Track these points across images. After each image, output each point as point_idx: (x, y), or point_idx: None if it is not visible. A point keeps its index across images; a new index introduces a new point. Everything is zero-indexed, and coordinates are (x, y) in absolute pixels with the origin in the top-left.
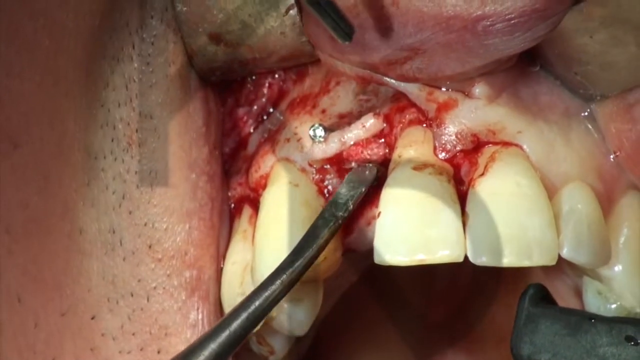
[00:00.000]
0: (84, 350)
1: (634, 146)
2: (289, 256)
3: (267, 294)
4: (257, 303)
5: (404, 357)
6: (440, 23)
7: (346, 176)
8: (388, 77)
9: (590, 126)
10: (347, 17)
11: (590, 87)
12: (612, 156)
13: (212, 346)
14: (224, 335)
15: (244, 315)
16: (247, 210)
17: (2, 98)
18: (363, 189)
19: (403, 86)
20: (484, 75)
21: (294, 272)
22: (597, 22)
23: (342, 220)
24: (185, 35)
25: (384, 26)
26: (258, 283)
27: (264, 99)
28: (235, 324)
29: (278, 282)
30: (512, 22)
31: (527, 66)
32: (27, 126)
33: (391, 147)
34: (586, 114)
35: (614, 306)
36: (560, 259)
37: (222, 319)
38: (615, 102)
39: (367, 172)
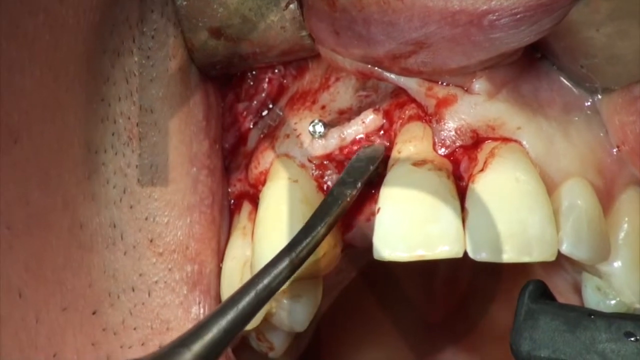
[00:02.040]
0: (85, 345)
1: (638, 139)
2: (298, 234)
3: (276, 271)
4: (265, 281)
5: (403, 354)
6: (445, 17)
7: (353, 157)
8: (390, 71)
9: (591, 121)
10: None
11: (596, 80)
12: (614, 150)
13: (222, 322)
14: (232, 312)
15: (252, 293)
16: (246, 207)
17: (3, 93)
18: (371, 167)
19: (403, 81)
20: (485, 70)
21: (303, 250)
22: (604, 15)
23: (351, 199)
24: (186, 29)
25: (389, 20)
26: None
27: (263, 94)
28: (244, 301)
29: (287, 259)
30: (518, 16)
31: (529, 61)
32: (28, 121)
33: (391, 142)
34: (589, 105)
35: (613, 302)
36: (559, 255)
37: (231, 296)
38: (620, 94)
39: (374, 150)
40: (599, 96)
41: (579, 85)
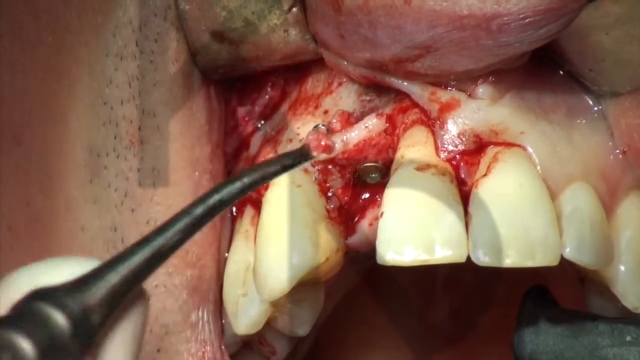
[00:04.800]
0: None
1: None
2: (197, 200)
3: (167, 234)
4: (158, 241)
5: (404, 358)
6: (454, 21)
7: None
8: (395, 75)
9: (595, 126)
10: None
11: (604, 83)
12: (620, 153)
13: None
14: (126, 266)
15: (145, 251)
16: (249, 211)
17: (6, 95)
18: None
19: (406, 86)
20: (489, 74)
21: (195, 217)
22: (613, 19)
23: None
24: (188, 33)
25: (395, 24)
26: (260, 284)
27: (266, 97)
28: (136, 258)
29: (180, 224)
30: (527, 20)
31: (534, 66)
32: (30, 124)
33: (394, 147)
34: (594, 109)
35: (616, 307)
36: (562, 260)
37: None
38: (628, 98)
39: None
40: (606, 100)
41: (586, 89)
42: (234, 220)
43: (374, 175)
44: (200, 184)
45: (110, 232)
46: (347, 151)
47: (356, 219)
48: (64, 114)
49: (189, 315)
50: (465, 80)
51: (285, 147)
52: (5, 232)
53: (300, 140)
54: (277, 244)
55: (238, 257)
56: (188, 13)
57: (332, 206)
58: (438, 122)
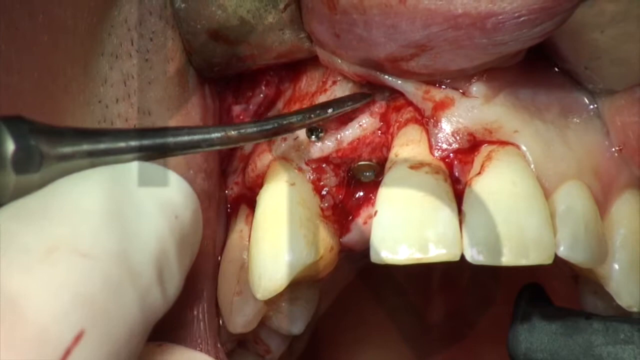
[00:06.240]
0: None
1: (639, 139)
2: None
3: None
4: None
5: (401, 357)
6: (449, 20)
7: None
8: (389, 74)
9: (589, 124)
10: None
11: (600, 81)
12: (615, 152)
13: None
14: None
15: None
16: (243, 210)
17: (2, 95)
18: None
19: (400, 85)
20: (483, 73)
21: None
22: (608, 17)
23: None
24: (184, 32)
25: (391, 23)
26: (254, 282)
27: (261, 96)
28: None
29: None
30: (521, 19)
31: (528, 64)
32: None
33: (388, 146)
34: (589, 107)
35: (610, 305)
36: (556, 258)
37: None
38: (623, 96)
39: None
40: (602, 98)
41: (581, 87)
42: (228, 218)
43: (368, 174)
44: (195, 182)
45: None
46: (341, 150)
47: (350, 217)
48: (60, 113)
49: (183, 313)
50: (460, 79)
51: (279, 146)
52: None
53: (295, 139)
54: (272, 243)
55: (232, 256)
56: (184, 12)
57: (326, 204)
58: (432, 120)
